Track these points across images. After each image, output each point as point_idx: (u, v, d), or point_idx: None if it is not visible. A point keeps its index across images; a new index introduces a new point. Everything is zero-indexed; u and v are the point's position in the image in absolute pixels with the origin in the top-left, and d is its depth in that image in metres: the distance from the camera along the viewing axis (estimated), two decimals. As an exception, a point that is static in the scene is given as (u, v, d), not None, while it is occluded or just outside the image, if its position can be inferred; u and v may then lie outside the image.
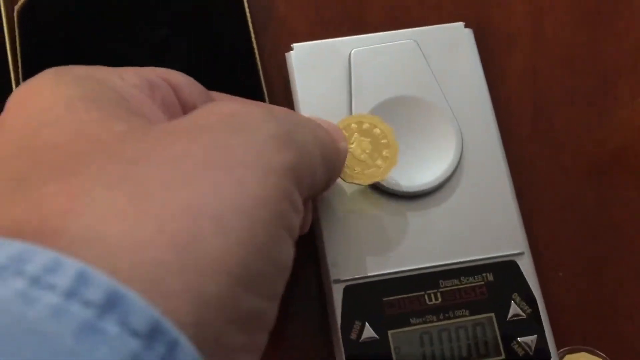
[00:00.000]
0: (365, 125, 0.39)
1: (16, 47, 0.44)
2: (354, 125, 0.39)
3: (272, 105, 0.31)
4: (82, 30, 0.45)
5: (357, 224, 0.41)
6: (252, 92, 0.44)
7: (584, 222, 0.45)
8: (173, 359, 0.18)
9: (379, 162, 0.38)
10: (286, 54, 0.44)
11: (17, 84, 0.44)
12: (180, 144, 0.23)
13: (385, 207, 0.41)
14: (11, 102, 0.26)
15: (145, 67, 0.29)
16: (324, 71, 0.44)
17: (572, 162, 0.46)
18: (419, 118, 0.42)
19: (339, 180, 0.38)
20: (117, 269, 0.19)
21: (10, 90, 0.43)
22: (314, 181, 0.28)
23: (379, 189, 0.41)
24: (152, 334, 0.18)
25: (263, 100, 0.44)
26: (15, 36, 0.45)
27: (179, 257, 0.20)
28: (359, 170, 0.38)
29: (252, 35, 0.45)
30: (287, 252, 0.25)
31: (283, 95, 0.46)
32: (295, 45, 0.44)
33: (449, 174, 0.41)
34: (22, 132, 0.24)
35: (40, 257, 0.18)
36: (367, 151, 0.38)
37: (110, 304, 0.18)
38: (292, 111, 0.28)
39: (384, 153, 0.38)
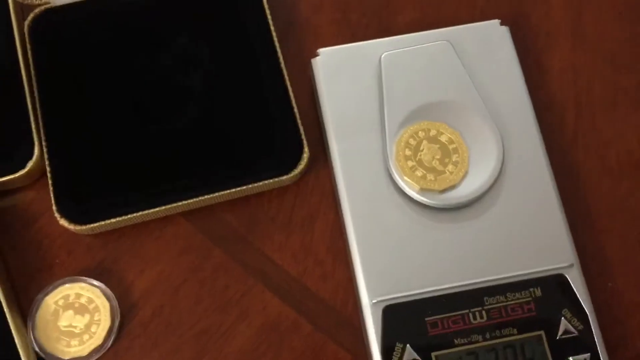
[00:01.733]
0: (433, 132, 0.39)
1: (28, 61, 0.43)
2: (421, 133, 0.39)
3: None
4: (95, 42, 0.43)
5: (394, 240, 0.38)
6: (278, 100, 0.42)
7: (635, 227, 0.42)
8: None
9: (450, 167, 0.39)
10: (312, 60, 0.42)
11: (32, 97, 0.42)
12: None
13: (424, 221, 0.39)
14: None
15: None
16: (352, 77, 0.42)
17: (618, 163, 0.43)
18: (457, 124, 0.40)
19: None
20: None
21: (24, 105, 0.41)
22: None
23: (417, 202, 0.39)
24: None
25: (290, 107, 0.42)
26: (27, 50, 0.43)
27: None
28: (432, 177, 0.38)
29: (275, 41, 0.43)
30: None
31: (311, 100, 0.43)
32: (320, 50, 0.42)
33: (490, 183, 0.39)
34: None
35: None
36: (437, 157, 0.39)
37: None
38: None
39: (453, 158, 0.39)
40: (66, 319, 0.39)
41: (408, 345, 0.37)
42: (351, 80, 0.41)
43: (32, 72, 0.42)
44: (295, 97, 0.42)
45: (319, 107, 0.42)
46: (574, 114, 0.45)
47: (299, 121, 0.42)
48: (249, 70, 0.42)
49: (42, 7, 0.44)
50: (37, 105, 0.41)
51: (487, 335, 0.37)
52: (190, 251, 0.41)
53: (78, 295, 0.39)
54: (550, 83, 0.45)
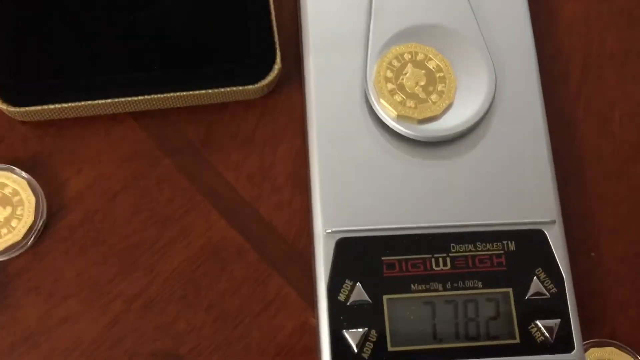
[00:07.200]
0: (420, 56, 0.36)
1: None
2: (407, 55, 0.36)
3: None
4: None
5: (360, 168, 0.34)
6: (256, 5, 0.38)
7: (630, 198, 0.38)
8: None
9: (433, 96, 0.35)
10: (297, -35, 0.38)
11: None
12: None
13: (396, 152, 0.35)
14: None
15: None
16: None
17: (621, 126, 0.40)
18: (448, 52, 0.36)
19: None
20: None
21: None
22: None
23: (391, 130, 0.35)
24: None
25: (268, 13, 0.37)
26: None
27: None
28: (412, 104, 0.35)
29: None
30: None
31: (294, 17, 0.39)
32: (309, -45, 0.38)
33: (475, 120, 0.35)
34: None
35: None
36: (421, 83, 0.35)
37: None
38: None
39: (439, 87, 0.35)
40: (-15, 209, 0.35)
41: (359, 283, 0.33)
42: (338, -8, 0.37)
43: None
44: (278, 10, 0.38)
45: (301, 19, 0.38)
46: (580, 67, 0.41)
47: (275, 29, 0.37)
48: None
49: None
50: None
51: (448, 285, 0.33)
52: (136, 157, 0.37)
53: (2, 185, 0.35)
54: (559, 31, 0.41)
